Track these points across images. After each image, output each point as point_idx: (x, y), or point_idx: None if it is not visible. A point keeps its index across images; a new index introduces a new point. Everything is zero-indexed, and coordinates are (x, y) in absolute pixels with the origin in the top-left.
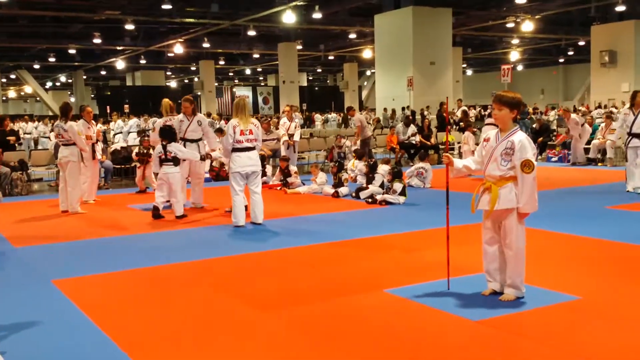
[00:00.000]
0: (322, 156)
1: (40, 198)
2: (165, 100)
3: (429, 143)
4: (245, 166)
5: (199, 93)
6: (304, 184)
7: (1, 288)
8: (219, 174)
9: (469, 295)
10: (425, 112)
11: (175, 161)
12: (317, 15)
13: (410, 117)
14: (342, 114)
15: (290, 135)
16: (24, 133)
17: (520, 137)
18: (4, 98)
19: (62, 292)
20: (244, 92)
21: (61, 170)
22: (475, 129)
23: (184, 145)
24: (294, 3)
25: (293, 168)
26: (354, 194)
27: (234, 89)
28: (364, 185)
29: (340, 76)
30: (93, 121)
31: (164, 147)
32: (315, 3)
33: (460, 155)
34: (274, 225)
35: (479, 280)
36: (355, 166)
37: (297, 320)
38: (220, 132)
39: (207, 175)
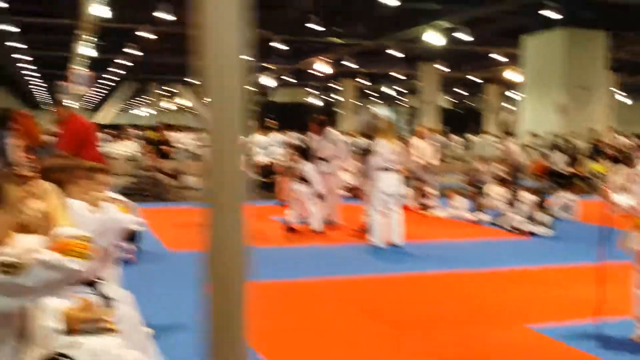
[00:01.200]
0: (461, 180)
1: (191, 205)
2: (313, 117)
3: (579, 173)
4: (390, 186)
5: (338, 111)
6: (441, 208)
7: (155, 288)
8: (352, 191)
9: (618, 340)
10: (575, 140)
11: (306, 179)
12: (462, 35)
13: (564, 145)
14: (481, 136)
15: (421, 157)
16: (178, 143)
17: None
18: (161, 109)
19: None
20: (383, 112)
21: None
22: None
23: (319, 164)
24: (437, 22)
25: (431, 191)
26: (494, 222)
27: (373, 108)
28: (506, 213)
29: (481, 98)
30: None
31: (298, 164)
32: (461, 24)
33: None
34: (411, 247)
35: (628, 324)
36: (496, 192)
37: (433, 344)
38: (363, 151)
39: (342, 192)
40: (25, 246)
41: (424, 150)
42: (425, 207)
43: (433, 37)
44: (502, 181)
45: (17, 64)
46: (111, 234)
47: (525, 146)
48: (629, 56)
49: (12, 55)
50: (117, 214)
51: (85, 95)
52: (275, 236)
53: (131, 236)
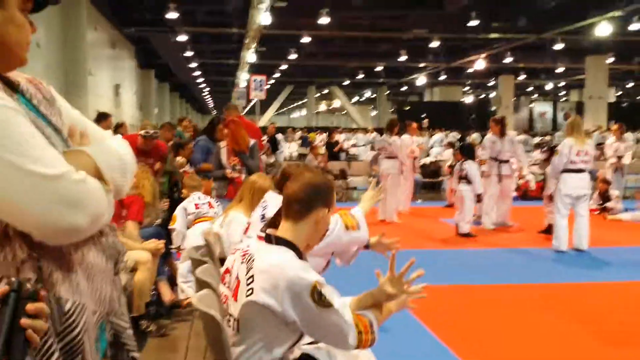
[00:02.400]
0: None
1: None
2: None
3: None
4: (576, 188)
5: (494, 108)
6: (627, 210)
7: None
8: (526, 193)
9: None
10: None
11: (468, 179)
12: (635, 26)
13: None
14: None
15: (619, 157)
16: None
17: None
18: (315, 111)
19: None
20: (543, 108)
21: (382, 181)
22: None
23: (496, 166)
24: (610, 14)
25: (614, 192)
26: None
27: (533, 104)
28: None
29: None
30: (415, 137)
31: (461, 164)
32: (634, 13)
33: None
34: (597, 252)
35: None
36: None
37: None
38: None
39: (515, 194)
40: None
41: (618, 149)
42: (607, 209)
43: (603, 29)
44: None
45: (190, 72)
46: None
47: None
48: None
49: (186, 64)
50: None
51: (256, 99)
52: (446, 238)
53: None
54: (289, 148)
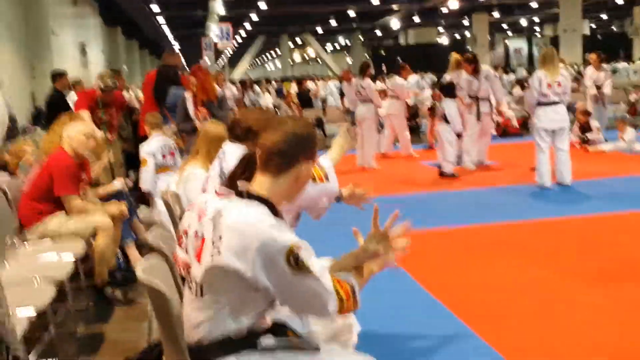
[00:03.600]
0: (622, 110)
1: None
2: (454, 56)
3: None
4: (551, 121)
5: (469, 48)
6: (606, 141)
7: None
8: (506, 130)
9: None
10: None
11: (445, 118)
12: None
13: None
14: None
15: (599, 87)
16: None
17: None
18: (291, 62)
19: None
20: (518, 45)
21: (359, 127)
22: None
23: (477, 104)
24: None
25: (595, 123)
26: None
27: (507, 41)
28: None
29: (628, 21)
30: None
31: (441, 103)
32: None
33: None
34: (581, 187)
35: None
36: None
37: (630, 299)
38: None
39: (494, 132)
40: None
41: (597, 80)
42: (588, 141)
43: None
44: None
45: (157, 26)
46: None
47: None
48: None
49: (153, 19)
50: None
51: (224, 50)
52: (428, 181)
53: None
54: (265, 99)
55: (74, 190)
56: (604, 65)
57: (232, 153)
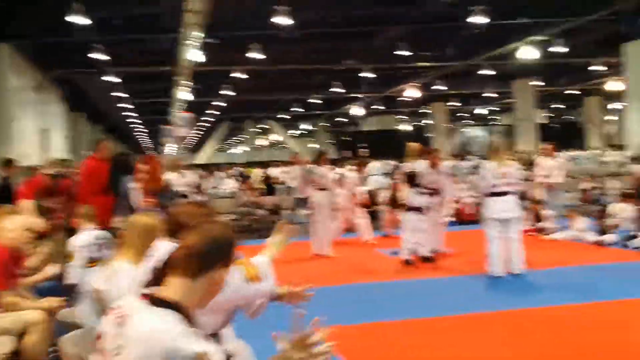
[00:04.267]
0: (574, 198)
1: (293, 240)
2: (413, 145)
3: None
4: (501, 212)
5: (429, 135)
6: (559, 230)
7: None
8: (461, 217)
9: None
10: None
11: (412, 208)
12: (557, 48)
13: None
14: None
15: (547, 177)
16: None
17: None
18: (256, 146)
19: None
20: (476, 133)
21: (314, 213)
22: None
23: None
24: (531, 38)
25: (548, 212)
26: (622, 243)
27: (466, 129)
28: (635, 232)
29: (581, 112)
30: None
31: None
32: (555, 36)
33: None
34: (533, 276)
35: None
36: (620, 210)
37: None
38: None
39: (450, 219)
40: None
41: (550, 169)
42: (541, 230)
43: (527, 53)
44: (628, 197)
45: (122, 113)
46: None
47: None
48: None
49: (118, 105)
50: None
51: (186, 137)
52: (383, 270)
53: None
54: (227, 184)
55: (4, 286)
56: (559, 154)
57: (162, 249)
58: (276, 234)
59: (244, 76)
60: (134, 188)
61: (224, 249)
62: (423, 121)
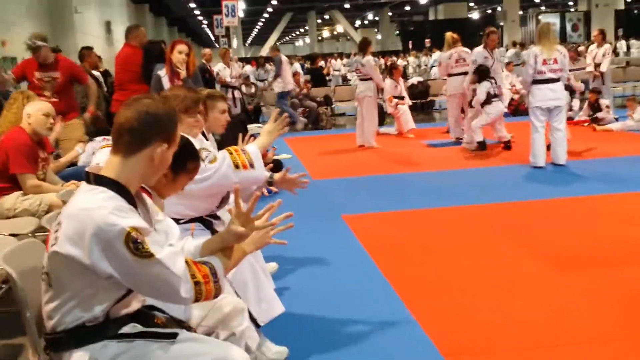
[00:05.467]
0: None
1: (342, 132)
2: (448, 34)
3: None
4: (547, 100)
5: (501, 23)
6: (617, 120)
7: (294, 220)
8: (517, 108)
9: None
10: None
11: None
12: None
13: None
14: None
15: (597, 65)
16: (333, 70)
17: None
18: (319, 38)
19: (350, 229)
20: (550, 19)
21: (359, 105)
22: None
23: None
24: None
25: (605, 101)
26: None
27: (540, 17)
28: None
29: None
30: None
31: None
32: None
33: None
34: (578, 167)
35: None
36: None
37: (600, 287)
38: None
39: (506, 110)
40: None
41: (596, 57)
42: (597, 120)
43: None
44: None
45: (187, 4)
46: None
47: None
48: None
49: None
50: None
51: (236, 27)
52: (426, 160)
53: (276, 167)
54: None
55: (30, 169)
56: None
57: None
58: (268, 124)
59: None
60: (164, 75)
61: (160, 125)
62: (495, 9)
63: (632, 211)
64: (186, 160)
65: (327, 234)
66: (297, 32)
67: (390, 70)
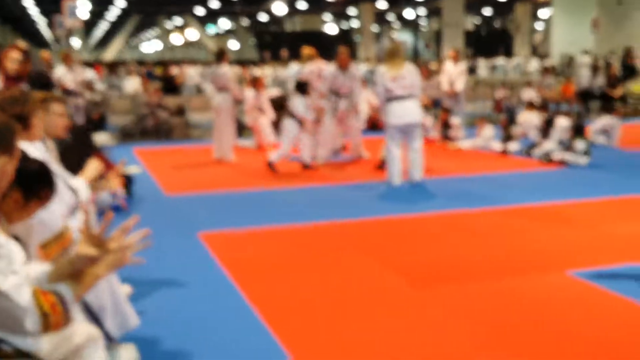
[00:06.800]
0: (489, 107)
1: (196, 144)
2: (306, 48)
3: (614, 94)
4: (400, 118)
5: (357, 39)
6: (466, 138)
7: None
8: (375, 124)
9: None
10: (610, 59)
11: (292, 115)
12: None
13: (599, 64)
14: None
15: (451, 83)
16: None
17: None
18: (170, 44)
19: (207, 247)
20: (403, 37)
21: (216, 116)
22: None
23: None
24: None
25: (455, 120)
26: (525, 152)
27: (393, 34)
28: (538, 141)
29: (510, 18)
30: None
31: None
32: None
33: None
34: (432, 185)
35: None
36: (527, 119)
37: (455, 300)
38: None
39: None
40: None
41: (450, 75)
42: (448, 138)
43: None
44: (534, 106)
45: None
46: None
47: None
48: None
49: None
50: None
51: (76, 28)
52: (288, 175)
53: (125, 181)
54: (131, 83)
55: None
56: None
57: None
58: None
59: None
60: None
61: None
62: (350, 24)
63: (483, 227)
64: (39, 186)
65: (184, 253)
66: (146, 37)
67: (252, 81)
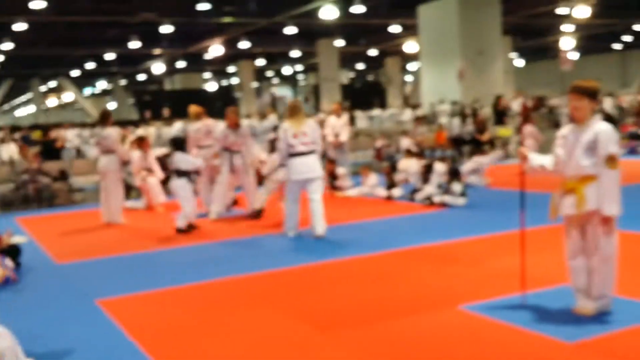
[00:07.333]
0: (370, 156)
1: (82, 208)
2: (193, 107)
3: (482, 138)
4: (301, 173)
5: (238, 95)
6: (352, 187)
7: (42, 310)
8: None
9: (552, 311)
10: (476, 106)
11: (180, 173)
12: (357, 9)
13: (467, 112)
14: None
15: (336, 135)
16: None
17: (605, 128)
18: (44, 106)
19: (108, 314)
20: (283, 92)
21: (102, 179)
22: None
23: (231, 157)
24: None
25: (341, 170)
26: (408, 196)
27: (273, 89)
28: (419, 186)
29: (382, 72)
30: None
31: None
32: None
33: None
34: (332, 233)
35: (559, 294)
36: (407, 166)
37: (360, 343)
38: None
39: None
40: None
41: (335, 127)
42: (335, 188)
43: (328, 12)
44: (412, 154)
45: None
46: None
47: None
48: (522, 20)
49: None
50: None
51: None
52: (178, 235)
53: (12, 252)
54: (7, 149)
55: None
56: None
57: None
58: None
59: (25, 26)
60: None
61: None
62: (230, 80)
63: (377, 271)
64: None
65: (85, 322)
66: (21, 100)
67: (137, 142)
